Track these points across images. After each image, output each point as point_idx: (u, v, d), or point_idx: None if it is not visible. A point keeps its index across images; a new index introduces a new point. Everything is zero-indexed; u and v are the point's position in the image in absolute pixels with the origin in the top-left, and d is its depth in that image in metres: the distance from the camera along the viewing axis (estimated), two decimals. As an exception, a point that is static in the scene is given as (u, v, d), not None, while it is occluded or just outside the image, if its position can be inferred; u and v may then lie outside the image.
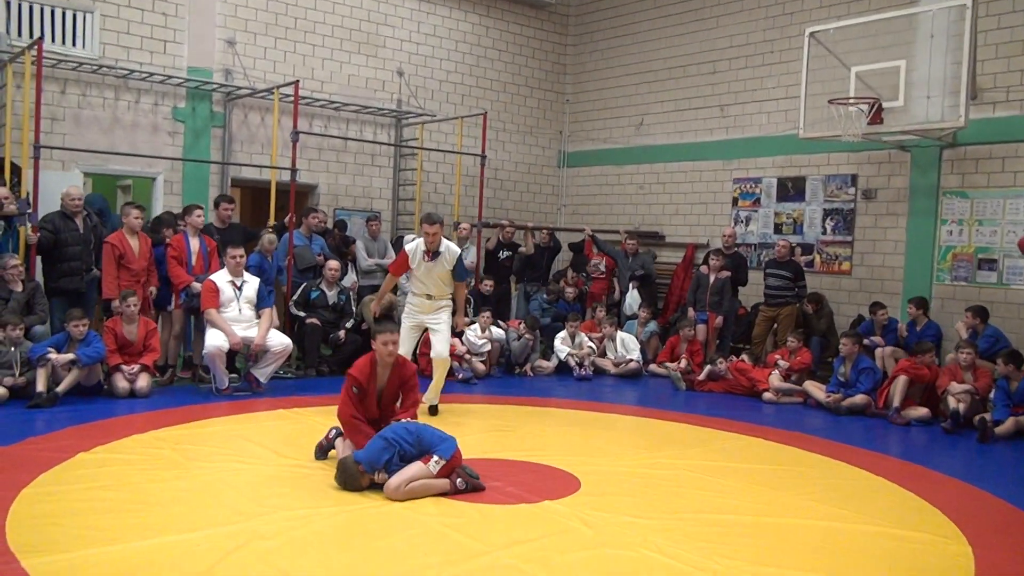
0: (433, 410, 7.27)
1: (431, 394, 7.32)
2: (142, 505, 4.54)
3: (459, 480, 5.00)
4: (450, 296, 7.44)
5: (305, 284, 9.42)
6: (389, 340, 5.62)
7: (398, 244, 10.91)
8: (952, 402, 7.68)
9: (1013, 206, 9.27)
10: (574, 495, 5.09)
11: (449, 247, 7.26)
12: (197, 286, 8.08)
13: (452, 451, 5.06)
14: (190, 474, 5.16)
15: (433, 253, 7.14)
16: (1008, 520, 5.03)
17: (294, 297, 9.35)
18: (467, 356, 9.36)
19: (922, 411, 7.96)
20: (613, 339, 10.41)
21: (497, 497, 4.98)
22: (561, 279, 11.75)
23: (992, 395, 7.72)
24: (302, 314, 9.25)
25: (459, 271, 7.37)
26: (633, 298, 11.29)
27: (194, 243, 8.41)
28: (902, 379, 8.00)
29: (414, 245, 7.27)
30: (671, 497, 5.14)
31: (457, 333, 8.70)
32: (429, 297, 7.28)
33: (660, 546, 4.23)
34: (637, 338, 10.57)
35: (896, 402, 7.93)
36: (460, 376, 9.12)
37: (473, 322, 9.53)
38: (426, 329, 7.50)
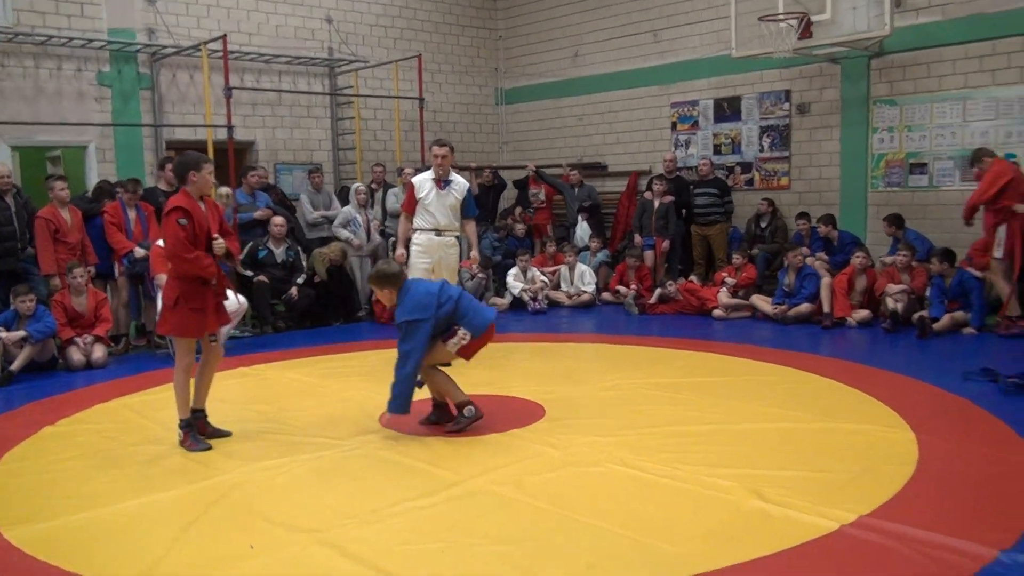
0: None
1: None
2: (117, 470, 4.59)
3: (468, 408, 5.11)
4: (457, 233, 7.09)
5: (252, 243, 9.35)
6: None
7: (343, 195, 10.86)
8: (890, 303, 8.02)
9: (940, 110, 9.54)
10: (540, 422, 5.27)
11: (459, 179, 6.98)
12: (140, 251, 8.00)
13: (482, 328, 5.09)
14: (159, 437, 5.20)
15: (444, 181, 6.87)
16: (946, 406, 5.35)
17: (240, 257, 9.26)
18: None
19: (863, 313, 8.30)
20: (573, 268, 10.53)
21: (467, 431, 5.13)
22: (509, 216, 11.83)
23: (928, 293, 8.07)
24: (250, 273, 9.20)
25: (470, 204, 7.08)
26: (583, 229, 11.43)
27: (131, 212, 8.30)
28: (825, 285, 8.48)
29: (419, 177, 7.00)
30: (631, 415, 5.34)
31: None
32: (437, 232, 6.90)
33: (624, 459, 4.42)
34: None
35: (826, 308, 8.30)
36: None
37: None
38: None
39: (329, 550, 3.44)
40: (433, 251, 6.93)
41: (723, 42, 10.69)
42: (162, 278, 7.64)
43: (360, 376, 6.78)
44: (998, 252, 7.70)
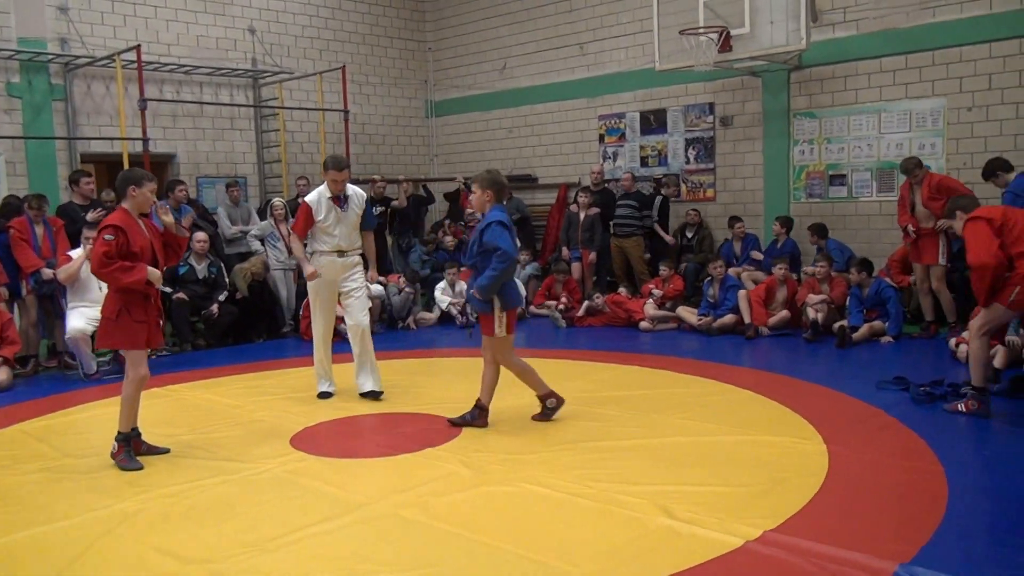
0: (376, 396, 6.34)
1: (374, 379, 6.36)
2: (5, 500, 4.36)
3: (550, 400, 5.49)
4: (360, 250, 6.50)
5: (171, 258, 9.07)
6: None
7: (264, 211, 10.63)
8: (811, 313, 8.13)
9: (856, 122, 9.75)
10: (455, 439, 5.18)
11: (355, 190, 6.39)
12: (48, 272, 7.71)
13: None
14: (58, 464, 4.97)
15: (343, 198, 6.21)
16: (860, 416, 5.40)
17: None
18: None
19: (782, 314, 8.44)
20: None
21: (378, 450, 5.02)
22: (439, 229, 11.73)
23: (847, 303, 8.21)
24: (169, 290, 8.92)
25: (368, 217, 6.49)
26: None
27: (38, 228, 8.00)
28: (742, 296, 8.62)
29: (315, 195, 6.23)
30: (550, 431, 5.29)
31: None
32: (341, 254, 6.24)
33: (537, 478, 4.36)
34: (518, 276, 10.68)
35: (746, 318, 8.40)
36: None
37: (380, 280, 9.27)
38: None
39: (221, 583, 3.30)
40: (337, 273, 6.29)
41: (648, 55, 10.78)
42: (64, 268, 7.39)
43: (278, 395, 6.61)
44: (942, 259, 7.83)
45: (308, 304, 9.25)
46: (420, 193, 11.92)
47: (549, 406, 5.50)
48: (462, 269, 10.70)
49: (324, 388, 6.49)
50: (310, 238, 6.36)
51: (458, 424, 5.43)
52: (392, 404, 6.14)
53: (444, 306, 10.05)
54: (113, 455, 4.89)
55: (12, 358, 7.42)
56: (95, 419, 6.17)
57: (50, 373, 8.01)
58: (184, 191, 9.60)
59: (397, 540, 3.68)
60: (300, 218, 6.27)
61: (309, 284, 6.34)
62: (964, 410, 5.29)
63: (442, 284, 10.22)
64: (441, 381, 7.03)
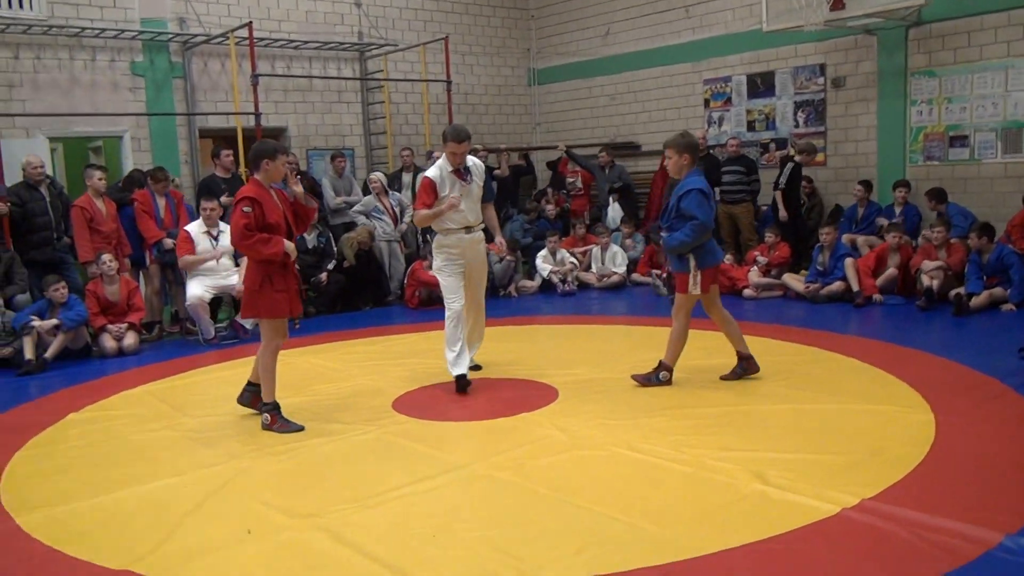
0: (478, 368, 6.24)
1: (471, 352, 6.14)
2: (130, 456, 4.69)
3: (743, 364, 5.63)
4: (483, 224, 6.12)
5: (283, 228, 9.43)
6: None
7: (396, 178, 10.86)
8: (925, 280, 7.78)
9: (981, 80, 9.20)
10: (551, 405, 5.24)
11: (475, 161, 5.96)
12: (169, 242, 8.16)
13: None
14: (177, 423, 5.29)
15: (465, 171, 5.80)
16: (970, 385, 5.17)
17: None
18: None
19: (889, 272, 8.22)
20: (606, 249, 10.41)
21: (476, 414, 5.14)
22: (542, 198, 11.76)
23: (966, 270, 7.82)
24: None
25: (489, 188, 6.20)
26: (615, 211, 11.30)
27: (160, 200, 8.46)
28: (849, 264, 8.31)
29: (435, 170, 5.79)
30: (646, 397, 5.28)
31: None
32: (468, 230, 5.88)
33: (630, 443, 4.37)
34: (627, 253, 10.57)
35: (855, 286, 8.10)
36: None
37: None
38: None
39: (323, 535, 3.46)
40: (466, 251, 5.90)
41: (755, 16, 10.45)
42: (186, 259, 7.80)
43: (382, 361, 6.81)
44: None
45: (412, 273, 9.55)
46: (520, 163, 11.96)
47: (662, 378, 5.57)
48: (564, 238, 10.73)
49: (462, 370, 5.74)
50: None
51: (645, 382, 5.55)
52: (492, 370, 6.24)
53: (545, 274, 10.10)
54: (267, 426, 4.98)
55: (139, 324, 7.90)
56: (213, 381, 6.53)
57: (173, 339, 8.49)
58: (290, 162, 9.90)
59: (491, 499, 3.78)
60: (422, 194, 5.77)
61: (436, 262, 5.93)
62: (1089, 381, 4.99)
63: (543, 252, 10.26)
64: (540, 348, 7.10)
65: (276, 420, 5.02)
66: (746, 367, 5.57)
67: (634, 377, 5.60)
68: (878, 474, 3.74)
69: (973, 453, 4.01)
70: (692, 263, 5.34)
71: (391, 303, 9.86)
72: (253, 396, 5.29)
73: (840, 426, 4.50)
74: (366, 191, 10.42)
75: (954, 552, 3.01)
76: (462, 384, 5.66)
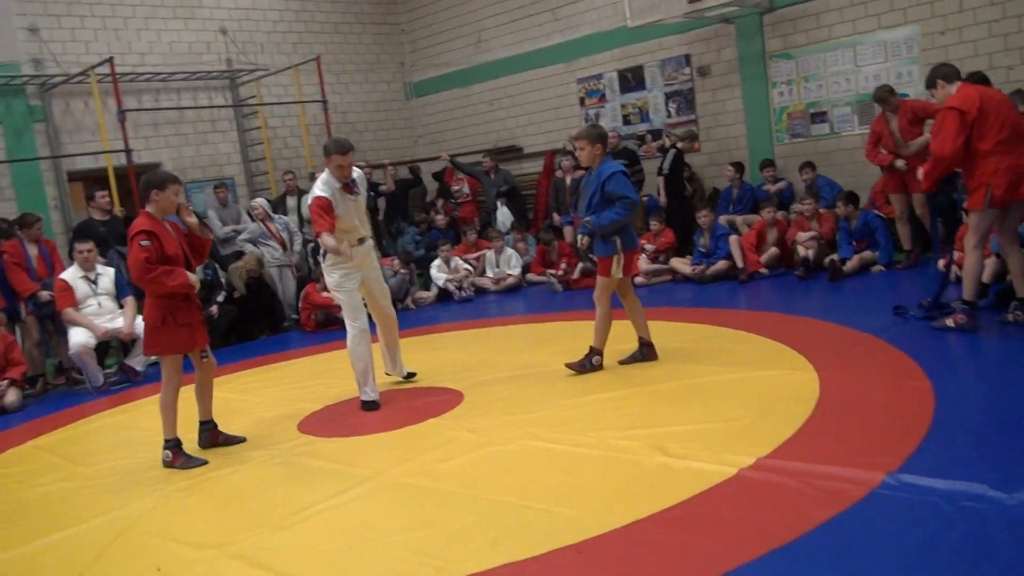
0: (413, 376, 6.28)
1: (399, 364, 6.23)
2: (21, 513, 4.47)
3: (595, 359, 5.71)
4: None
5: (167, 264, 9.16)
6: None
7: (280, 203, 10.69)
8: (801, 250, 8.19)
9: (832, 58, 9.74)
10: (457, 408, 5.28)
11: (357, 171, 5.73)
12: (45, 294, 7.83)
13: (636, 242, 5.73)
14: (72, 473, 5.08)
15: (352, 183, 5.62)
16: (851, 342, 5.49)
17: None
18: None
19: (771, 251, 8.56)
20: (500, 252, 10.50)
21: (383, 425, 5.13)
22: (430, 209, 11.80)
23: (837, 237, 8.26)
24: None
25: (368, 197, 6.18)
26: (504, 215, 11.44)
27: (32, 248, 8.10)
28: (733, 241, 8.67)
29: (324, 187, 5.49)
30: (547, 390, 5.37)
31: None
32: (362, 241, 5.75)
33: (538, 434, 4.46)
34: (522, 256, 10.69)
35: (739, 263, 8.48)
36: None
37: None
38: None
39: (237, 562, 3.41)
40: (362, 263, 5.80)
41: (619, 13, 10.77)
42: (68, 312, 7.48)
43: (282, 386, 6.73)
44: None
45: (306, 296, 9.43)
46: (407, 176, 11.99)
47: (595, 362, 5.67)
48: (456, 246, 10.79)
49: (372, 396, 5.65)
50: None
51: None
52: (397, 381, 6.24)
53: (441, 283, 10.14)
54: (169, 463, 4.86)
55: (20, 379, 7.54)
56: (107, 427, 6.31)
57: (59, 390, 8.13)
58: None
59: (402, 506, 3.80)
60: (321, 215, 5.40)
61: (331, 281, 5.71)
62: (953, 325, 5.36)
63: (437, 262, 10.29)
64: (443, 355, 7.12)
65: (178, 457, 4.90)
66: (646, 353, 5.73)
67: (568, 365, 5.67)
68: (771, 434, 3.94)
69: (855, 404, 4.25)
70: (619, 244, 5.46)
71: (287, 329, 9.71)
72: (212, 432, 5.19)
73: (733, 393, 4.71)
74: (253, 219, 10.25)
75: (843, 495, 3.20)
76: (371, 408, 5.57)
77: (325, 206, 5.43)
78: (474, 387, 5.71)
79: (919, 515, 2.98)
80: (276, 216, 10.11)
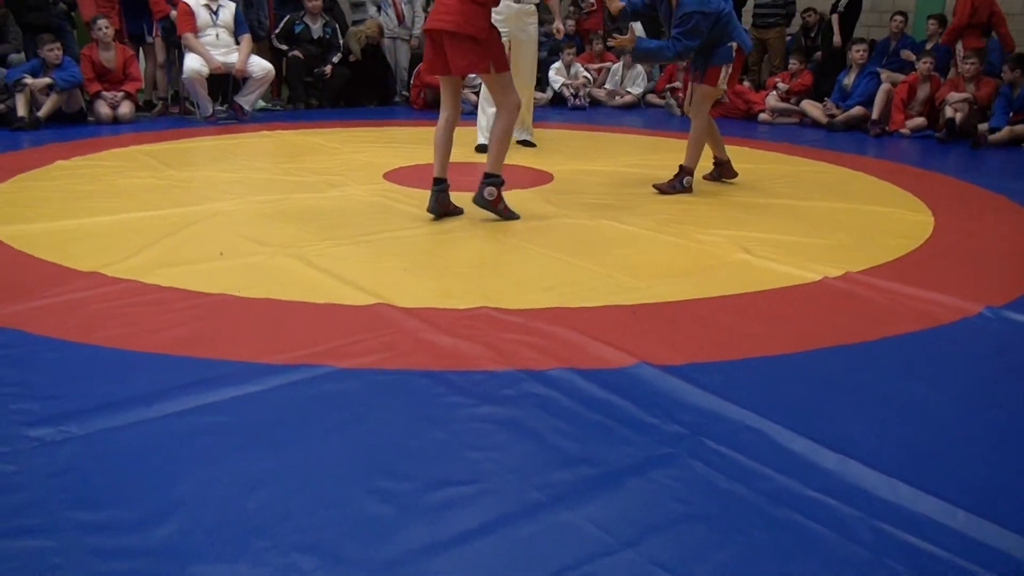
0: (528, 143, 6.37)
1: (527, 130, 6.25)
2: (114, 195, 4.62)
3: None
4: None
5: (288, 16, 9.05)
6: None
7: None
8: (949, 111, 7.47)
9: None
10: (544, 185, 5.12)
11: None
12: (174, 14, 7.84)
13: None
14: (164, 174, 5.21)
15: None
16: (971, 196, 5.06)
17: (277, 30, 9.01)
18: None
19: (918, 121, 7.80)
20: (629, 67, 10.00)
21: (470, 186, 5.00)
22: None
23: (993, 104, 7.49)
24: (285, 47, 8.96)
25: None
26: (638, 30, 10.79)
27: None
28: (883, 90, 7.93)
29: None
30: (639, 187, 5.12)
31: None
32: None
33: (619, 217, 4.27)
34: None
35: (875, 114, 7.80)
36: None
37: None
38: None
39: (295, 261, 3.42)
40: (510, 20, 5.56)
41: None
42: (188, 37, 7.50)
43: (380, 144, 6.67)
44: None
45: (419, 74, 9.21)
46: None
47: (685, 183, 5.00)
48: (580, 54, 10.31)
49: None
50: None
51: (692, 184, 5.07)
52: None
53: (557, 86, 9.78)
54: (492, 201, 4.12)
55: (135, 94, 7.70)
56: (206, 147, 6.46)
57: (173, 116, 8.31)
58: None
59: (472, 247, 3.76)
60: None
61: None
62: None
63: (557, 64, 9.88)
64: (540, 147, 6.90)
65: (500, 200, 4.14)
66: (721, 172, 5.34)
67: (656, 186, 5.05)
68: (868, 256, 3.65)
69: (967, 249, 3.88)
70: (733, 51, 4.82)
71: (397, 104, 9.60)
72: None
73: (838, 219, 4.38)
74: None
75: (932, 316, 2.94)
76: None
77: None
78: (566, 173, 5.52)
79: (1010, 343, 2.72)
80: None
